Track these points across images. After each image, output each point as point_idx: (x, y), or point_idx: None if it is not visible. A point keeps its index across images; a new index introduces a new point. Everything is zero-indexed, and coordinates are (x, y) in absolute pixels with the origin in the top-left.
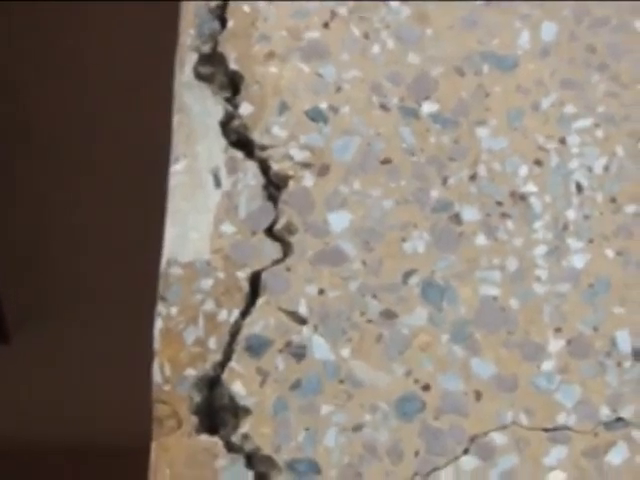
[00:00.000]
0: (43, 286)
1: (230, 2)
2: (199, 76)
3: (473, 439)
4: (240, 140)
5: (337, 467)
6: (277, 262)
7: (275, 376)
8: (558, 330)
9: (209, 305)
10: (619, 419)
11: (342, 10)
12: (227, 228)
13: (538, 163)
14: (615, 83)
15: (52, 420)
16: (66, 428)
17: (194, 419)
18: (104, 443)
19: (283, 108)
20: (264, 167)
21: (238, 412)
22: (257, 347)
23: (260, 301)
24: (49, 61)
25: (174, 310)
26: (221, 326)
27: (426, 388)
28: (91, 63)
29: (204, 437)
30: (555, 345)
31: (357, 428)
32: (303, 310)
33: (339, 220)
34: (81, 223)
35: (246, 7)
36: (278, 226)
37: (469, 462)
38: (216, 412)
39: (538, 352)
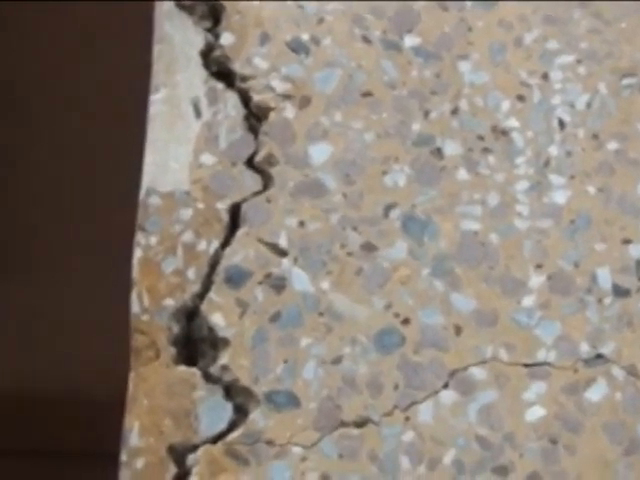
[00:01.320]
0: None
1: None
2: (180, 6)
3: (453, 373)
4: (221, 71)
5: (316, 399)
6: (257, 193)
7: (254, 308)
8: (539, 266)
9: (188, 236)
10: (599, 356)
11: None
12: (207, 159)
13: (520, 98)
14: (598, 20)
15: (30, 368)
16: (43, 377)
17: (172, 350)
18: (80, 394)
19: (264, 39)
20: (245, 98)
21: (217, 343)
22: (236, 278)
23: (240, 232)
24: None
25: (153, 240)
26: (200, 257)
27: (406, 322)
28: None
29: (182, 368)
30: (536, 281)
31: (336, 361)
32: (283, 242)
33: (320, 152)
34: (61, 149)
35: None
36: (258, 157)
37: (448, 396)
38: (195, 343)
39: (518, 288)
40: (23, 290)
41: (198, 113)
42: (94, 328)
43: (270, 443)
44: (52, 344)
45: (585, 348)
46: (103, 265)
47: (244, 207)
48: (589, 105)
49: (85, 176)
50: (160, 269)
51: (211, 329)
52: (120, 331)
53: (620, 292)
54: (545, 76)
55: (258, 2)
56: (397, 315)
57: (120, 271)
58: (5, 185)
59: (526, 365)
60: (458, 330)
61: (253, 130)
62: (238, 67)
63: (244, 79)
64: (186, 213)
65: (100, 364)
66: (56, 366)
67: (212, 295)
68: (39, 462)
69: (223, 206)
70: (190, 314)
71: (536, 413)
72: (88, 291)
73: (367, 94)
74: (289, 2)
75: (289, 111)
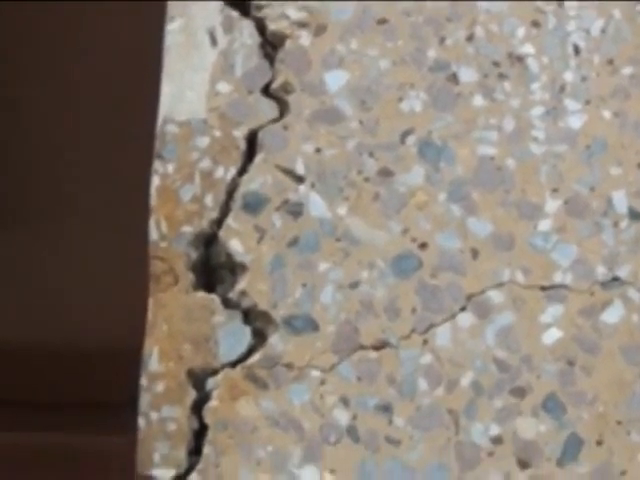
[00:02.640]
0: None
1: None
2: None
3: (470, 297)
4: None
5: (334, 323)
6: (274, 121)
7: (272, 233)
8: (555, 190)
9: (205, 163)
10: (615, 278)
11: None
12: (223, 87)
13: (535, 25)
14: None
15: (39, 320)
16: (55, 329)
17: (191, 276)
18: (96, 343)
19: None
20: (260, 26)
21: (235, 269)
22: (254, 205)
23: (257, 159)
24: None
25: (170, 168)
26: (218, 184)
27: (423, 246)
28: None
29: (201, 294)
30: (552, 205)
31: (354, 285)
32: (300, 168)
33: (336, 79)
34: (79, 81)
35: None
36: (274, 85)
37: (466, 319)
38: (213, 269)
39: (535, 212)
40: (42, 229)
41: (214, 42)
42: (112, 265)
43: (289, 366)
44: (72, 291)
45: (601, 271)
46: (121, 194)
47: (261, 134)
48: (604, 31)
49: (102, 108)
50: (178, 196)
51: (229, 255)
52: (138, 262)
53: (636, 215)
54: (560, 2)
55: None
56: (414, 240)
57: (138, 199)
58: (19, 116)
59: (543, 288)
60: (475, 254)
61: (269, 58)
62: None
63: (259, 7)
64: (203, 141)
65: (117, 311)
66: (73, 315)
67: (230, 221)
68: (56, 414)
69: (240, 133)
70: (208, 240)
71: (553, 335)
72: (106, 221)
73: (383, 21)
74: None
75: (305, 39)
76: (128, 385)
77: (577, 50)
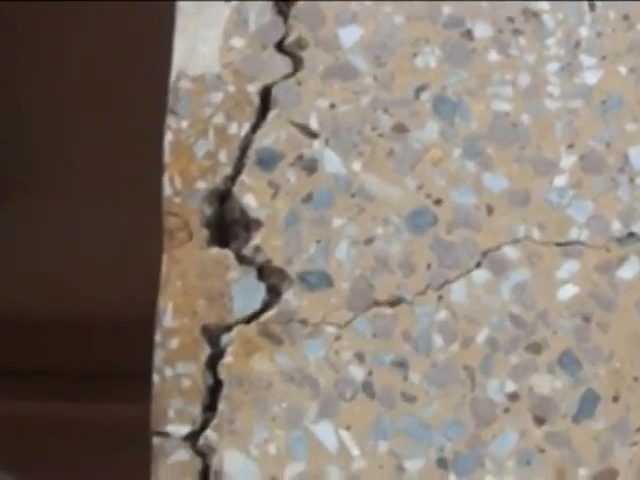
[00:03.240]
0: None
1: None
2: None
3: (485, 253)
4: None
5: (349, 279)
6: (288, 76)
7: (286, 189)
8: (570, 146)
9: (219, 118)
10: (631, 234)
11: None
12: (237, 42)
13: None
14: None
15: (51, 288)
16: (67, 297)
17: (205, 231)
18: (107, 313)
19: None
20: None
21: (249, 225)
22: (268, 160)
23: (271, 115)
24: None
25: (184, 123)
26: (232, 139)
27: (438, 202)
28: None
29: (215, 249)
30: (567, 161)
31: (369, 241)
32: (314, 124)
33: (350, 35)
34: (91, 36)
35: None
36: (288, 41)
37: (481, 275)
38: (227, 225)
39: (550, 167)
40: (54, 192)
41: None
42: (125, 229)
43: (304, 322)
44: (83, 257)
45: (617, 227)
46: (134, 151)
47: (275, 90)
48: None
49: (114, 63)
50: (192, 152)
51: (243, 211)
52: (152, 223)
53: None
54: None
55: None
56: (429, 195)
57: (151, 155)
58: (37, 73)
59: (558, 244)
60: (490, 210)
61: (282, 14)
62: None
63: None
64: (217, 96)
65: (131, 279)
66: (86, 283)
67: (244, 177)
68: (71, 383)
69: (254, 89)
70: (222, 196)
71: (569, 291)
72: (119, 179)
73: None
74: None
75: None
76: (142, 354)
77: (592, 6)
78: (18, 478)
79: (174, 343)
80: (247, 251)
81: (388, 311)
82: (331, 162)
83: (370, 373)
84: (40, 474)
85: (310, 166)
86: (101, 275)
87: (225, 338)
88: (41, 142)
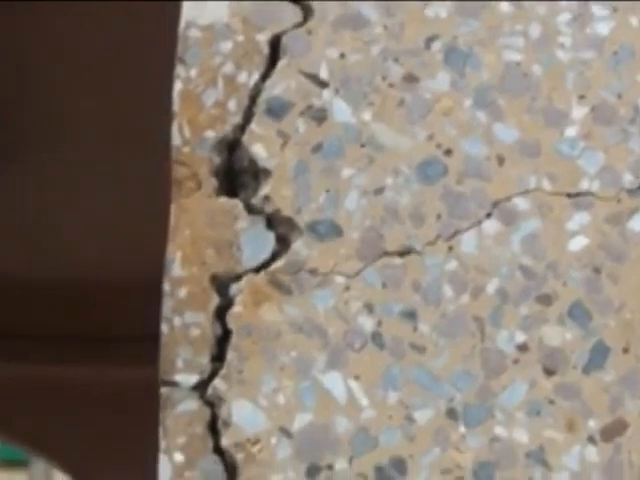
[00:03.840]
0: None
1: None
2: None
3: (496, 204)
4: None
5: (359, 229)
6: (297, 25)
7: (296, 139)
8: (582, 97)
9: (229, 67)
10: None
11: None
12: None
13: None
14: None
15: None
16: (73, 261)
17: (214, 181)
18: (117, 278)
19: None
20: None
21: (258, 174)
22: (278, 109)
23: (280, 64)
24: None
25: (193, 72)
26: (241, 88)
27: (448, 152)
28: None
29: (224, 199)
30: (579, 112)
31: (379, 191)
32: (324, 73)
33: None
34: None
35: None
36: None
37: (492, 226)
38: (236, 174)
39: (561, 118)
40: (59, 146)
41: None
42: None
43: (313, 272)
44: (91, 218)
45: (628, 178)
46: (143, 99)
47: (284, 39)
48: None
49: (123, 11)
50: (200, 101)
51: (252, 160)
52: (158, 235)
53: None
54: None
55: None
56: (439, 146)
57: (160, 104)
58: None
59: (569, 195)
60: (501, 160)
61: None
62: None
63: None
64: (226, 45)
65: (138, 242)
66: (94, 247)
67: (253, 127)
68: (79, 347)
69: (263, 38)
70: (231, 146)
71: (579, 243)
72: (128, 129)
73: None
74: None
75: None
76: (149, 318)
77: None
78: (23, 440)
79: (183, 292)
80: (256, 201)
81: (398, 261)
82: (341, 112)
83: (379, 323)
84: (44, 436)
85: (320, 116)
86: (108, 236)
87: (234, 288)
88: (43, 95)
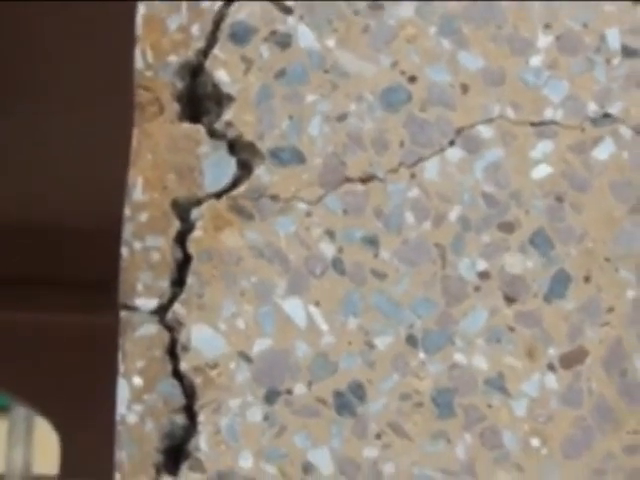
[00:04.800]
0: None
1: None
2: None
3: (459, 131)
4: None
5: (321, 156)
6: None
7: (259, 64)
8: (547, 26)
9: None
10: (606, 115)
11: None
12: None
13: None
14: None
15: (21, 197)
16: (37, 206)
17: (176, 106)
18: (75, 222)
19: None
20: None
21: (221, 99)
22: (241, 34)
23: None
24: None
25: None
26: (205, 13)
27: (412, 80)
28: None
29: (186, 124)
30: (544, 40)
31: (342, 118)
32: None
33: None
34: None
35: None
36: None
37: (455, 154)
38: (199, 99)
39: (527, 47)
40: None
41: None
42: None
43: (275, 198)
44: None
45: (593, 107)
46: (106, 21)
47: None
48: None
49: None
50: (164, 25)
51: (215, 85)
52: (117, 183)
53: (629, 52)
54: None
55: None
56: (403, 73)
57: (124, 28)
58: None
59: (533, 124)
60: (465, 88)
61: None
62: None
63: None
64: None
65: (98, 190)
66: (55, 193)
67: (216, 52)
68: (42, 293)
69: None
70: (194, 71)
71: (542, 171)
72: (90, 50)
73: None
74: None
75: None
76: (110, 265)
77: None
78: None
79: (143, 216)
80: (218, 126)
81: (360, 188)
82: (305, 38)
83: (340, 250)
84: (8, 378)
85: (284, 42)
86: (72, 182)
87: (195, 212)
88: (16, 47)
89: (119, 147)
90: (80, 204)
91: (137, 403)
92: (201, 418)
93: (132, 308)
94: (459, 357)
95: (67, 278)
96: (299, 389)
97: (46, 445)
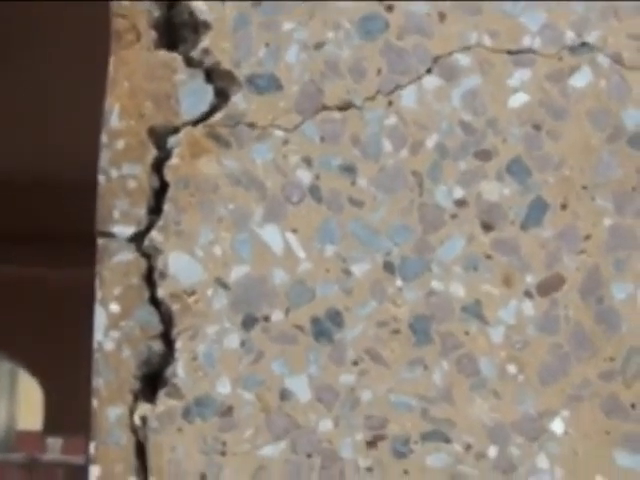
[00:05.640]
0: None
1: None
2: None
3: (436, 59)
4: None
5: (299, 83)
6: None
7: None
8: None
9: None
10: (584, 44)
11: None
12: None
13: None
14: None
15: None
16: (14, 157)
17: (153, 34)
18: (53, 173)
19: None
20: None
21: (198, 27)
22: None
23: None
24: None
25: None
26: None
27: (390, 8)
28: None
29: (163, 52)
30: None
31: (319, 45)
32: None
33: None
34: None
35: None
36: None
37: (432, 81)
38: (176, 28)
39: None
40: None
41: None
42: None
43: (252, 126)
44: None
45: (570, 35)
46: None
47: None
48: None
49: None
50: None
51: (192, 13)
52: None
53: None
54: None
55: None
56: (381, 1)
57: None
58: None
59: (510, 52)
60: (442, 17)
61: None
62: None
63: None
64: None
65: (74, 143)
66: (33, 143)
67: None
68: (18, 246)
69: None
70: None
71: (520, 99)
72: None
73: None
74: None
75: None
76: (87, 218)
77: None
78: None
79: (120, 144)
80: (195, 54)
81: (337, 115)
82: None
83: (317, 177)
84: None
85: None
86: (45, 130)
87: (172, 140)
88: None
89: (95, 84)
90: (57, 155)
91: (114, 330)
92: (178, 345)
93: (109, 235)
94: (436, 284)
95: (46, 232)
96: (276, 316)
97: (30, 401)
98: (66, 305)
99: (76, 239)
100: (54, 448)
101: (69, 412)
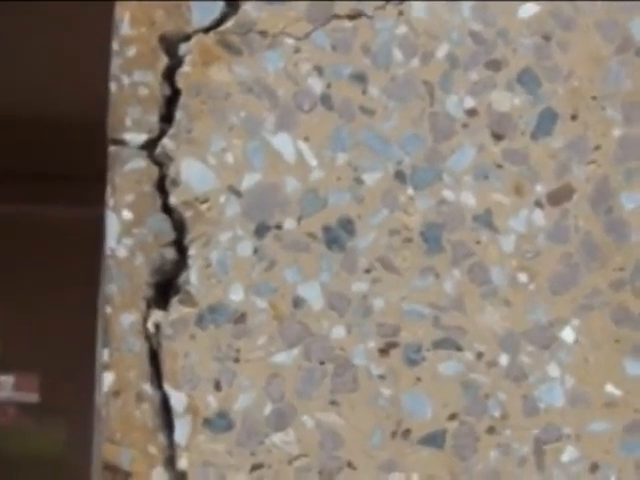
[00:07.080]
0: None
1: None
2: None
3: None
4: None
5: None
6: None
7: None
8: None
9: None
10: None
11: None
12: None
13: None
14: None
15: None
16: (21, 96)
17: None
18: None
19: None
20: None
21: None
22: None
23: None
24: None
25: None
26: None
27: None
28: None
29: None
30: None
31: None
32: None
33: None
34: None
35: None
36: None
37: None
38: None
39: None
40: None
41: None
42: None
43: (263, 34)
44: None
45: None
46: None
47: None
48: None
49: None
50: None
51: None
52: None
53: None
54: None
55: None
56: None
57: None
58: None
59: None
60: None
61: None
62: None
63: None
64: None
65: (83, 81)
66: (39, 82)
67: None
68: (27, 185)
69: None
70: None
71: (530, 10)
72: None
73: None
74: None
75: None
76: (97, 158)
77: None
78: None
79: (131, 51)
80: None
81: (348, 24)
82: None
83: (329, 85)
84: None
85: None
86: (52, 65)
87: (183, 47)
88: None
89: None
90: (65, 92)
91: (127, 237)
92: (191, 252)
93: (121, 142)
94: (447, 193)
95: (54, 171)
96: (289, 224)
97: None
98: (72, 244)
99: (84, 179)
100: (5, 386)
101: (22, 350)
